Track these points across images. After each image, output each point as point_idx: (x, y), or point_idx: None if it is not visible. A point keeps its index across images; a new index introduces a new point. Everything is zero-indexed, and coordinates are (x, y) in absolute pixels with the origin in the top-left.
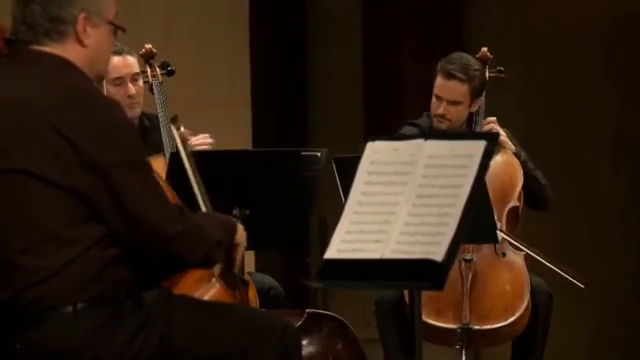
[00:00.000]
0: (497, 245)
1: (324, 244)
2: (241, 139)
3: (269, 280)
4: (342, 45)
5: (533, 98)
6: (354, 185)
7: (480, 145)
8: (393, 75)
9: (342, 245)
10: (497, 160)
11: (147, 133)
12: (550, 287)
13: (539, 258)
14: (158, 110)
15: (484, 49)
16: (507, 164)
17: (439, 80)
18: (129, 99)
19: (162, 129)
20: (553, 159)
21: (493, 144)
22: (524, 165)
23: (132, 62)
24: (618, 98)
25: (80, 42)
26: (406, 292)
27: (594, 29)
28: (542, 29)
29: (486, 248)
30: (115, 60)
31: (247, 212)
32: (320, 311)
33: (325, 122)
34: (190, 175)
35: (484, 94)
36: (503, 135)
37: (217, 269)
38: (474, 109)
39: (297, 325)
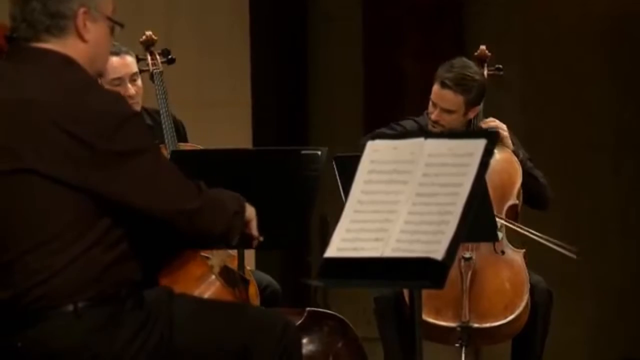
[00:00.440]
0: (496, 244)
1: (325, 242)
2: (241, 138)
3: (265, 278)
4: (343, 45)
5: (533, 98)
6: (354, 184)
7: (480, 144)
8: (393, 74)
9: (342, 244)
10: (496, 158)
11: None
12: (550, 285)
13: (527, 233)
14: (158, 100)
15: (482, 47)
16: (506, 162)
17: (435, 87)
18: (128, 99)
19: (162, 119)
20: (553, 158)
21: (493, 143)
22: (523, 165)
23: (130, 62)
24: (618, 97)
25: (81, 38)
26: (406, 291)
27: (594, 28)
28: (542, 29)
29: (485, 246)
30: (114, 60)
31: None
32: (321, 310)
33: (326, 121)
34: None
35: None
36: (504, 131)
37: (217, 267)
38: (471, 116)
39: (297, 324)
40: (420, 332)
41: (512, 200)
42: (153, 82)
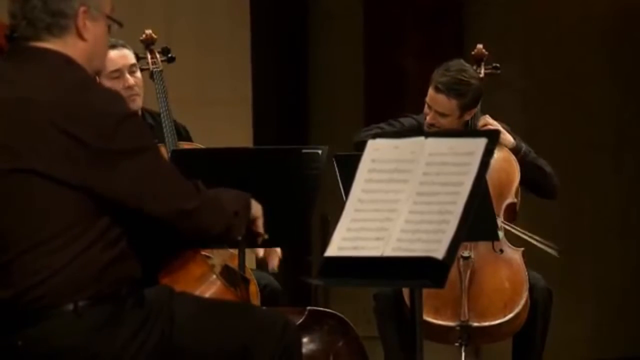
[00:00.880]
0: (495, 242)
1: (325, 241)
2: (242, 137)
3: (264, 277)
4: (343, 44)
5: (534, 97)
6: (354, 183)
7: (481, 143)
8: (394, 74)
9: (343, 243)
10: (494, 156)
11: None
12: (550, 284)
13: (514, 231)
14: (158, 98)
15: (480, 45)
16: (504, 161)
17: (430, 91)
18: (128, 90)
19: (162, 119)
20: (554, 158)
21: (494, 142)
22: (525, 156)
23: (127, 54)
24: (619, 97)
25: (81, 37)
26: (406, 291)
27: (594, 28)
28: (543, 28)
29: (484, 245)
30: (112, 53)
31: None
32: (321, 309)
33: (326, 120)
34: None
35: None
36: (501, 131)
37: (217, 267)
38: (467, 118)
39: (298, 323)
40: (421, 331)
41: (510, 199)
42: (153, 80)
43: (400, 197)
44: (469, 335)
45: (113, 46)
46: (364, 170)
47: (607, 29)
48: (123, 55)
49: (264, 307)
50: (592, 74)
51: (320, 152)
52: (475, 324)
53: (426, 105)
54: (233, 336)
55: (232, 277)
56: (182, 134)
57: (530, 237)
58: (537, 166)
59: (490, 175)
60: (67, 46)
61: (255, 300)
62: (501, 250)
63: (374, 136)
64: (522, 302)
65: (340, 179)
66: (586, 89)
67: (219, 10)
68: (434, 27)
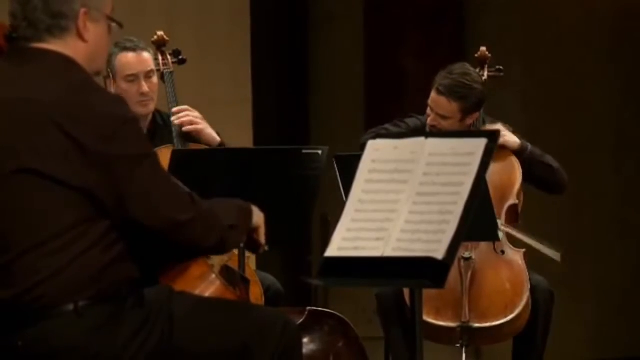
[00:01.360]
0: (496, 243)
1: (325, 242)
2: (242, 137)
3: (267, 278)
4: (343, 44)
5: (534, 97)
6: (355, 183)
7: (481, 143)
8: (394, 74)
9: (343, 243)
10: (496, 158)
11: (158, 131)
12: (550, 284)
13: (515, 234)
14: (169, 100)
15: (483, 48)
16: (506, 162)
17: (432, 93)
18: (142, 96)
19: (172, 120)
20: (554, 157)
21: (494, 142)
22: (532, 155)
23: (146, 59)
24: (619, 97)
25: (81, 38)
26: (406, 291)
27: (595, 28)
28: (543, 28)
29: (485, 246)
30: (130, 56)
31: None
32: (321, 309)
33: (326, 120)
34: None
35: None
36: (504, 134)
37: (217, 267)
38: (469, 122)
39: (298, 323)
40: (421, 331)
41: (512, 200)
42: (164, 82)
43: (400, 197)
44: (469, 336)
45: (132, 49)
46: (364, 171)
47: (608, 28)
48: (141, 61)
49: (264, 307)
50: (592, 74)
51: (320, 152)
52: (476, 325)
53: (428, 107)
54: (233, 336)
55: (232, 276)
56: (192, 134)
57: (534, 241)
58: (545, 164)
59: (492, 177)
60: (68, 47)
61: (260, 301)
62: (502, 252)
63: (375, 136)
64: (523, 303)
65: (341, 179)
66: (586, 89)
67: (219, 11)
68: (434, 27)
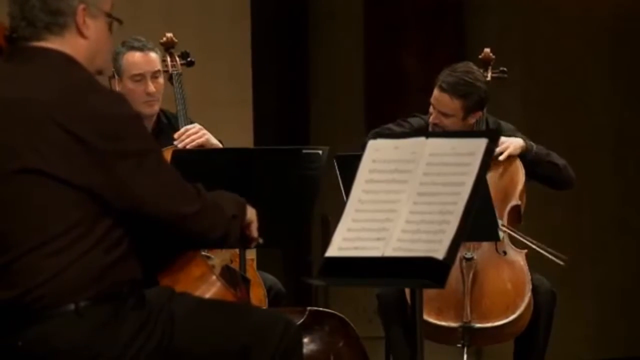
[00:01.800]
0: (498, 244)
1: (326, 242)
2: (243, 137)
3: (269, 278)
4: (344, 44)
5: (535, 96)
6: (355, 183)
7: (481, 143)
8: (394, 74)
9: (343, 243)
10: (499, 159)
11: (163, 131)
12: (551, 284)
13: (521, 238)
14: (177, 101)
15: (487, 49)
16: (508, 163)
17: (435, 90)
18: (148, 96)
19: (180, 121)
20: None
21: (494, 142)
22: (537, 155)
23: (153, 59)
24: (620, 97)
25: (81, 35)
26: (407, 291)
27: (596, 27)
28: (543, 28)
29: (487, 246)
30: (137, 56)
31: None
32: (322, 309)
33: (327, 120)
34: None
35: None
36: (507, 145)
37: (217, 268)
38: (471, 121)
39: (298, 323)
40: (422, 332)
41: (515, 202)
42: (172, 83)
43: (400, 197)
44: (471, 337)
45: (140, 48)
46: (365, 171)
47: (608, 28)
48: (148, 61)
49: (265, 307)
50: (592, 74)
51: (320, 152)
52: (478, 325)
53: (431, 106)
54: (234, 336)
55: (232, 277)
56: None
57: (537, 245)
58: (550, 162)
59: (495, 179)
60: (68, 44)
61: (263, 302)
62: (504, 252)
63: (375, 136)
64: (525, 303)
65: (341, 179)
66: (586, 89)
67: (219, 12)
68: (435, 27)
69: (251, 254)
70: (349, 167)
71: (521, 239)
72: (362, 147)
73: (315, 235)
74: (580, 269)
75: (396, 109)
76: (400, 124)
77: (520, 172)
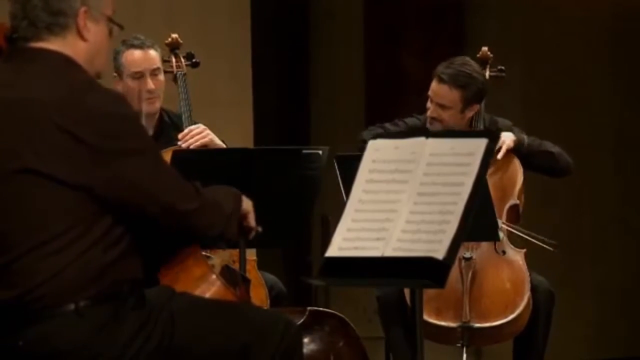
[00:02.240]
0: (497, 244)
1: (326, 242)
2: (243, 137)
3: (270, 278)
4: (344, 44)
5: (535, 96)
6: (355, 183)
7: (481, 143)
8: (394, 74)
9: (343, 243)
10: (497, 159)
11: (165, 130)
12: (550, 284)
13: (510, 229)
14: (181, 102)
15: (484, 48)
16: (507, 162)
17: (433, 83)
18: (148, 93)
19: (184, 121)
20: None
21: (494, 142)
22: (531, 147)
23: (152, 57)
24: (619, 97)
25: (81, 37)
26: (407, 291)
27: (596, 27)
28: (543, 28)
29: (486, 246)
30: (136, 54)
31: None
32: (322, 309)
33: (327, 120)
34: None
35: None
36: (501, 140)
37: (217, 267)
38: (469, 115)
39: (298, 323)
40: (422, 331)
41: (513, 201)
42: (176, 83)
43: (400, 197)
44: (470, 336)
45: (139, 46)
46: (365, 171)
47: (608, 28)
48: (147, 59)
49: (265, 307)
50: (592, 74)
51: (320, 152)
52: (477, 325)
53: (428, 100)
54: (234, 336)
55: (233, 277)
56: None
57: (526, 234)
58: (545, 152)
59: (493, 178)
60: (68, 45)
61: (265, 302)
62: (503, 252)
63: (375, 136)
64: (524, 303)
65: (341, 179)
66: (586, 89)
67: (219, 12)
68: (434, 27)
69: (252, 255)
70: (349, 167)
71: (514, 231)
72: (360, 144)
73: (315, 235)
74: (580, 269)
75: (396, 109)
76: (396, 123)
77: (518, 172)
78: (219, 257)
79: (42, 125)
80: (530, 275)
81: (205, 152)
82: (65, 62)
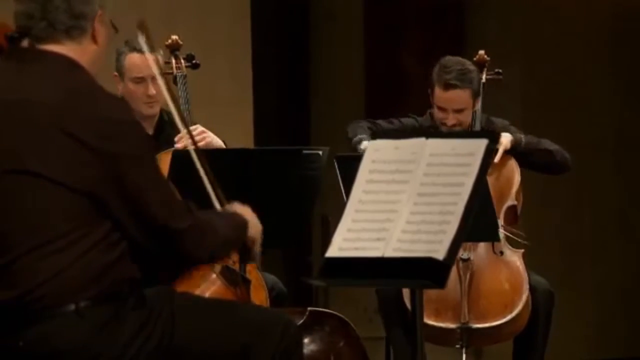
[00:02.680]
0: (495, 244)
1: (326, 242)
2: (243, 138)
3: (270, 278)
4: (344, 45)
5: (534, 97)
6: (355, 183)
7: (481, 144)
8: (394, 74)
9: (343, 243)
10: (494, 161)
11: (165, 128)
12: (550, 284)
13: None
14: (181, 103)
15: (481, 51)
16: (504, 163)
17: (439, 92)
18: (148, 98)
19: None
20: None
21: (494, 143)
22: (527, 146)
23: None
24: (619, 97)
25: (94, 40)
26: (406, 293)
27: (595, 27)
28: (543, 28)
29: (483, 247)
30: (137, 59)
31: None
32: (322, 309)
33: (327, 120)
34: (201, 170)
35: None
36: (500, 144)
37: (217, 266)
38: (476, 107)
39: (299, 323)
40: (422, 332)
41: (511, 202)
42: (176, 85)
43: (401, 197)
44: (469, 337)
45: (141, 50)
46: (365, 171)
47: (608, 28)
48: (149, 64)
49: (265, 307)
50: (592, 74)
51: (320, 152)
52: (476, 326)
53: (437, 111)
54: (234, 336)
55: (233, 277)
56: None
57: (504, 228)
58: (542, 150)
59: (489, 179)
60: (80, 50)
61: (265, 303)
62: (501, 252)
63: (374, 137)
64: (522, 303)
65: (341, 179)
66: (586, 89)
67: (219, 12)
68: (434, 27)
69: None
70: (349, 167)
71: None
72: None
73: (315, 235)
74: (580, 268)
75: (396, 109)
76: (391, 121)
77: (515, 173)
78: None
79: (43, 126)
80: (529, 275)
81: (205, 152)
82: (69, 64)
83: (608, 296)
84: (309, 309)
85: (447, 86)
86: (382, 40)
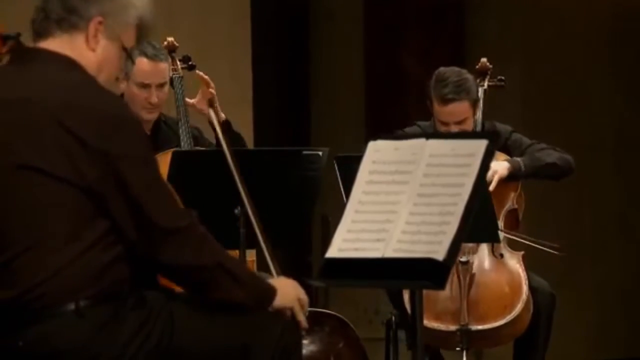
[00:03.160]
0: (495, 246)
1: (326, 243)
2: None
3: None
4: (344, 45)
5: (535, 96)
6: (355, 184)
7: (481, 145)
8: (394, 74)
9: (343, 244)
10: (493, 166)
11: (160, 133)
12: (550, 285)
13: (514, 237)
14: (177, 105)
15: (484, 59)
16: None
17: (438, 107)
18: (150, 104)
19: (180, 125)
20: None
21: (494, 143)
22: (528, 169)
23: (162, 70)
24: (620, 97)
25: (88, 44)
26: (406, 296)
27: (595, 28)
28: (544, 28)
29: (483, 249)
30: (146, 64)
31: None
32: (322, 310)
33: (327, 121)
34: (233, 169)
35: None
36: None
37: None
38: (477, 116)
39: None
40: (422, 334)
41: (511, 206)
42: (172, 87)
43: (400, 198)
44: (469, 339)
45: (151, 57)
46: (365, 172)
47: (608, 28)
48: (156, 72)
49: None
50: (592, 74)
51: (320, 153)
52: (475, 328)
53: (438, 124)
54: (233, 336)
55: None
56: (196, 134)
57: (530, 240)
58: (544, 165)
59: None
60: (72, 45)
61: None
62: (501, 255)
63: (374, 138)
64: (522, 304)
65: (341, 180)
66: (586, 89)
67: (219, 12)
68: (434, 27)
69: (251, 256)
70: (349, 168)
71: (515, 237)
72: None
73: (315, 235)
74: (580, 269)
75: (396, 109)
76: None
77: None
78: None
79: (42, 123)
80: (530, 277)
81: (205, 152)
82: (69, 63)
83: (608, 297)
84: (308, 309)
85: (445, 101)
86: (382, 40)
